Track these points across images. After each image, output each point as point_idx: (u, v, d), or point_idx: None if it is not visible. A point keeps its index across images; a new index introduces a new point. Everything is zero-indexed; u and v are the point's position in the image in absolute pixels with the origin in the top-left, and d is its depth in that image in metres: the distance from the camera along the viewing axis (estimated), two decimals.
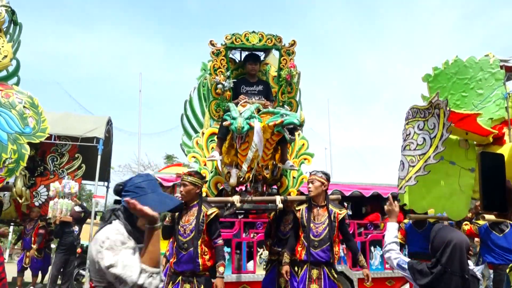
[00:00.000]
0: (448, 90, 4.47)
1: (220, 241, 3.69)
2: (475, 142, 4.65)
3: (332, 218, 3.98)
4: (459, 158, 4.58)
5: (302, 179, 4.61)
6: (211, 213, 3.71)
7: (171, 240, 4.04)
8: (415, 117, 4.38)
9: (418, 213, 4.95)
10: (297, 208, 4.20)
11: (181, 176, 3.86)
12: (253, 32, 4.40)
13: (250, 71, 4.52)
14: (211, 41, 4.35)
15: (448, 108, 4.07)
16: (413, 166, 4.35)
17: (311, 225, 3.98)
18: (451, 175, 4.47)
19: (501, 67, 4.61)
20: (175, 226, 3.76)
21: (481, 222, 5.58)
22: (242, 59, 4.72)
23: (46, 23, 40.61)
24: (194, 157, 4.43)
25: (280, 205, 4.14)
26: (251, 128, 3.73)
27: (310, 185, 4.05)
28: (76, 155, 8.34)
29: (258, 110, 4.07)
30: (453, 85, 4.51)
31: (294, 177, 4.60)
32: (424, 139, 4.25)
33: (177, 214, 3.80)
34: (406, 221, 5.61)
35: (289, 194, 4.47)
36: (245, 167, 3.88)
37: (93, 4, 40.52)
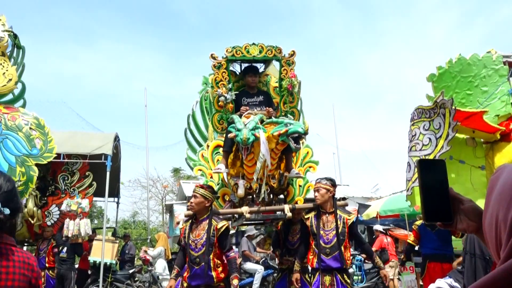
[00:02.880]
0: (453, 89, 4.41)
1: (232, 254, 3.66)
2: (482, 140, 4.57)
3: (341, 224, 3.94)
4: (468, 156, 4.51)
5: (308, 187, 4.56)
6: (221, 227, 3.66)
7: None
8: (421, 118, 4.31)
9: None
10: (306, 216, 4.15)
11: (194, 188, 3.84)
12: (253, 44, 4.39)
13: (250, 83, 4.50)
14: (212, 54, 4.34)
15: (453, 107, 4.00)
16: None
17: (321, 232, 3.95)
18: (462, 174, 4.40)
19: (504, 63, 4.54)
20: (186, 241, 3.71)
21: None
22: (242, 71, 4.71)
23: (50, 44, 40.98)
24: (200, 170, 4.39)
25: (289, 214, 4.09)
26: (257, 138, 3.70)
27: (316, 193, 4.02)
28: (87, 173, 8.27)
29: (262, 121, 4.04)
30: (457, 84, 4.44)
31: (300, 186, 4.55)
32: (430, 139, 4.18)
33: (187, 229, 3.77)
34: (418, 222, 5.50)
35: (296, 203, 4.41)
36: (255, 177, 3.85)
37: (96, 22, 40.88)
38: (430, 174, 0.87)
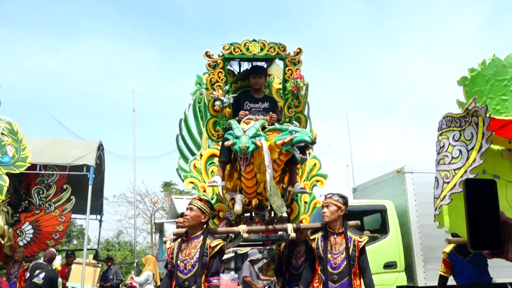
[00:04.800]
0: (486, 94, 4.38)
1: (215, 281, 3.60)
2: None
3: (351, 247, 3.92)
4: (503, 170, 4.47)
5: (315, 204, 4.52)
6: (216, 245, 3.64)
7: None
8: (450, 127, 4.28)
9: (461, 237, 4.75)
10: (311, 237, 4.14)
11: (190, 200, 3.85)
12: (254, 40, 4.37)
13: (254, 85, 4.48)
14: (206, 52, 4.32)
15: (487, 116, 3.97)
16: (448, 183, 4.22)
17: (329, 255, 3.92)
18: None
19: None
20: (174, 262, 3.67)
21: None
22: (244, 71, 4.71)
23: (28, 38, 40.72)
24: (191, 182, 4.36)
25: (293, 234, 4.05)
26: (257, 147, 3.68)
27: (325, 209, 4.02)
28: (64, 186, 8.25)
29: (263, 128, 4.02)
30: (491, 88, 4.42)
31: (306, 202, 4.51)
32: (460, 151, 4.16)
33: (175, 249, 3.73)
34: (448, 249, 5.39)
35: (301, 222, 4.37)
36: (268, 187, 3.80)
37: (80, 15, 40.83)
38: (478, 196, 0.85)
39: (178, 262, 3.63)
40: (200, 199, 3.81)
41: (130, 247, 22.35)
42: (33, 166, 7.68)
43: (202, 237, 3.67)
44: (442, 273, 5.46)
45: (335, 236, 4.01)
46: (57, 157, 8.26)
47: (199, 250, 3.60)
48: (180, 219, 4.42)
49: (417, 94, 42.78)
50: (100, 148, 9.10)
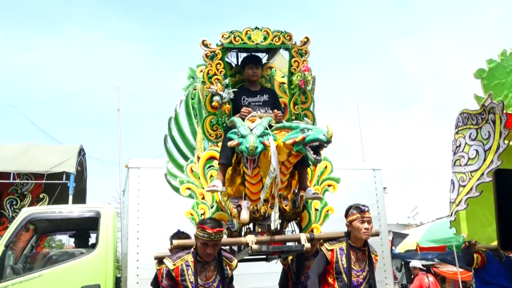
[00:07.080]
0: (508, 87, 4.38)
1: None
2: None
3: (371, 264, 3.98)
4: None
5: (327, 211, 4.44)
6: (236, 264, 3.83)
7: None
8: (466, 124, 4.27)
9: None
10: (329, 248, 4.02)
11: (209, 233, 3.55)
12: (256, 28, 4.32)
13: (251, 77, 4.44)
14: (203, 41, 4.24)
15: (505, 112, 3.94)
16: (464, 186, 4.21)
17: (352, 272, 3.89)
18: None
19: None
20: (188, 284, 3.58)
21: None
22: (240, 62, 4.66)
23: None
24: (188, 188, 4.25)
25: (307, 245, 3.96)
26: (265, 148, 3.60)
27: (367, 225, 3.91)
28: (41, 196, 8.15)
29: (270, 126, 3.93)
30: None
31: (316, 210, 4.42)
32: (477, 151, 4.13)
33: (186, 268, 3.64)
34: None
35: (312, 231, 4.29)
36: (262, 196, 3.80)
37: (58, 3, 40.13)
38: (509, 188, 0.78)
39: (199, 286, 3.57)
40: (218, 231, 3.58)
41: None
42: (6, 175, 7.60)
43: (217, 256, 3.71)
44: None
45: (357, 251, 3.98)
46: (32, 164, 8.16)
47: (219, 271, 3.66)
48: (176, 242, 4.12)
49: (439, 87, 42.60)
50: (81, 153, 8.98)
